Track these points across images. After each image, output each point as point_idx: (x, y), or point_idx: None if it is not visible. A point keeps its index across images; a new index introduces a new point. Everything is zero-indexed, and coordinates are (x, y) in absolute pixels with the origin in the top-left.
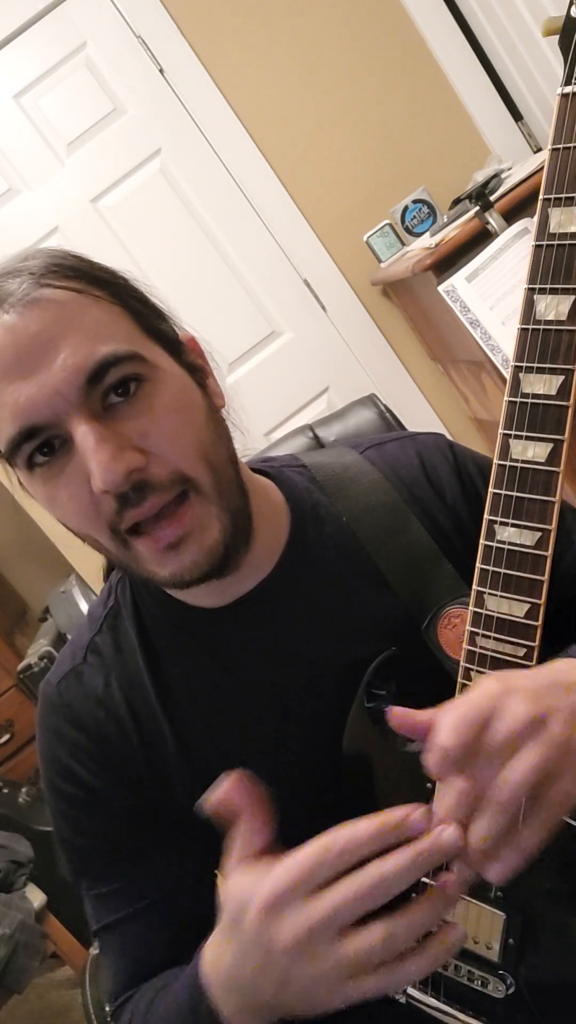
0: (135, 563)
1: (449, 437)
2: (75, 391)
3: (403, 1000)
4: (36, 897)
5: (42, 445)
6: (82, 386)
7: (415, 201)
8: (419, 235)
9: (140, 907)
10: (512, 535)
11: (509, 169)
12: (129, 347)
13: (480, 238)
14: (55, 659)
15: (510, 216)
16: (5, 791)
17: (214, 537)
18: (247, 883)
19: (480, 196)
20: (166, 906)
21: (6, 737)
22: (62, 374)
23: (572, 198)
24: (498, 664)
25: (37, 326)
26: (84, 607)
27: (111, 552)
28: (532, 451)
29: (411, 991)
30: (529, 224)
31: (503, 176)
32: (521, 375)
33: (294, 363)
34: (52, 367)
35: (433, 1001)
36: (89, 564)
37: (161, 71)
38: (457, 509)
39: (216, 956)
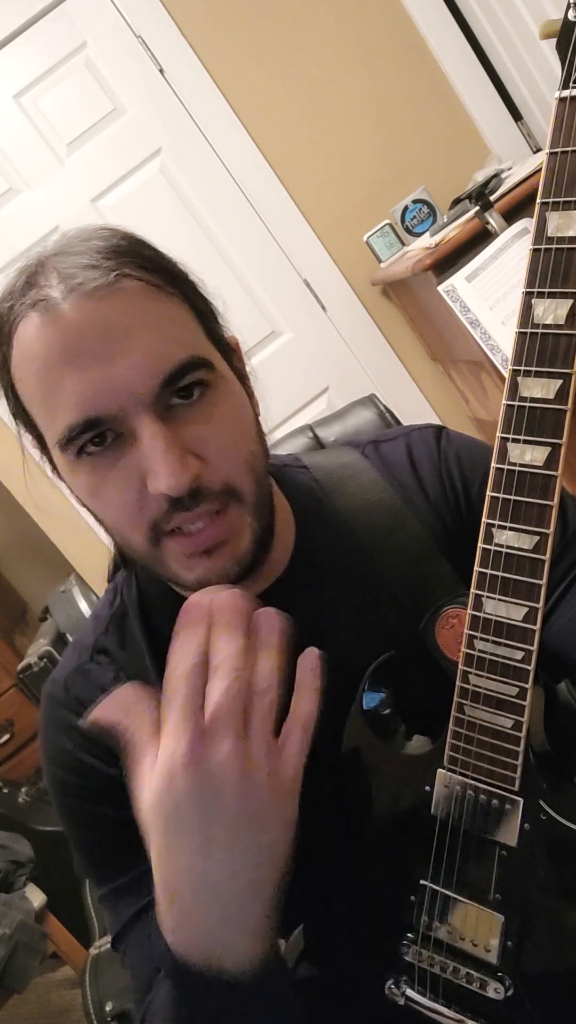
0: (159, 563)
1: (446, 427)
2: (150, 390)
3: (402, 1002)
4: (36, 897)
5: (95, 435)
6: (158, 386)
7: (415, 201)
8: (419, 235)
9: None
10: (510, 539)
11: (509, 169)
12: (204, 353)
13: (480, 238)
14: (55, 659)
15: (510, 216)
16: (5, 791)
17: (245, 546)
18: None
19: (480, 196)
20: None
21: (6, 737)
22: (135, 372)
23: (570, 202)
24: (496, 668)
25: (115, 316)
26: (84, 607)
27: (139, 551)
28: (530, 455)
29: (410, 993)
30: (529, 224)
31: (503, 176)
32: (519, 379)
33: (294, 363)
34: (127, 360)
35: (432, 1003)
36: (89, 564)
37: (161, 71)
38: (439, 508)
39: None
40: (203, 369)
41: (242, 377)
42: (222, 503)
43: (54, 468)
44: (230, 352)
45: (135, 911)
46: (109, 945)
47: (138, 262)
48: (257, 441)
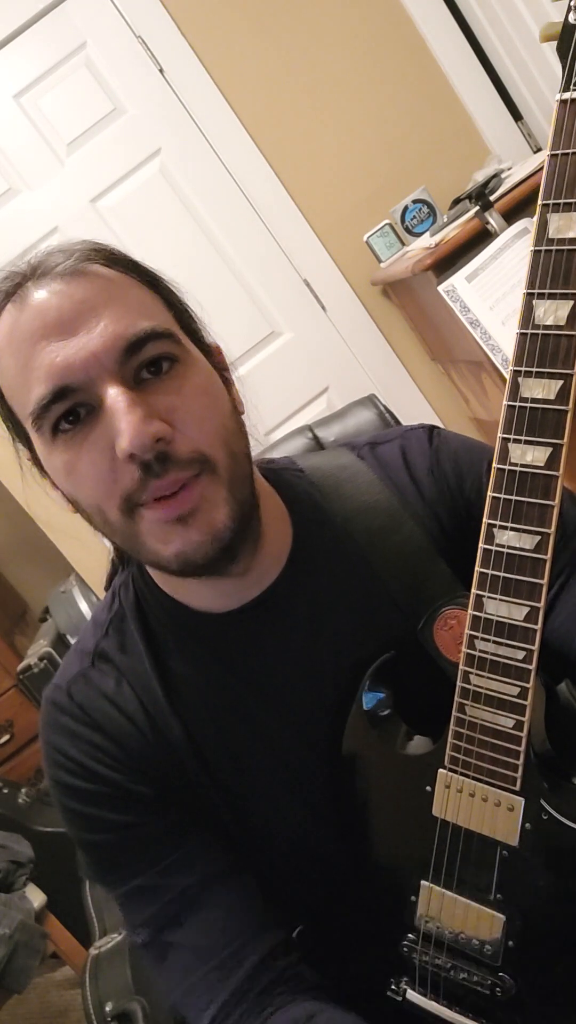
0: (137, 540)
1: (439, 427)
2: (112, 357)
3: (402, 1002)
4: (36, 897)
5: (68, 412)
6: (120, 354)
7: (415, 201)
8: (419, 235)
9: (181, 891)
10: (511, 539)
11: (509, 169)
12: (170, 328)
13: (480, 238)
14: (55, 660)
15: (510, 216)
16: (5, 791)
17: (222, 520)
18: None
19: (480, 196)
20: (205, 889)
21: (6, 737)
22: (101, 339)
23: (570, 203)
24: (497, 668)
25: (82, 294)
26: (84, 607)
27: (116, 527)
28: (531, 455)
29: (410, 993)
30: (529, 224)
31: (503, 176)
32: (520, 379)
33: (294, 363)
34: (92, 332)
35: (433, 1004)
36: (89, 565)
37: (161, 71)
38: (436, 508)
39: None
40: (168, 341)
41: (226, 381)
42: (194, 471)
43: (42, 471)
44: (207, 349)
45: (155, 910)
46: (111, 944)
47: (106, 254)
48: (233, 422)
